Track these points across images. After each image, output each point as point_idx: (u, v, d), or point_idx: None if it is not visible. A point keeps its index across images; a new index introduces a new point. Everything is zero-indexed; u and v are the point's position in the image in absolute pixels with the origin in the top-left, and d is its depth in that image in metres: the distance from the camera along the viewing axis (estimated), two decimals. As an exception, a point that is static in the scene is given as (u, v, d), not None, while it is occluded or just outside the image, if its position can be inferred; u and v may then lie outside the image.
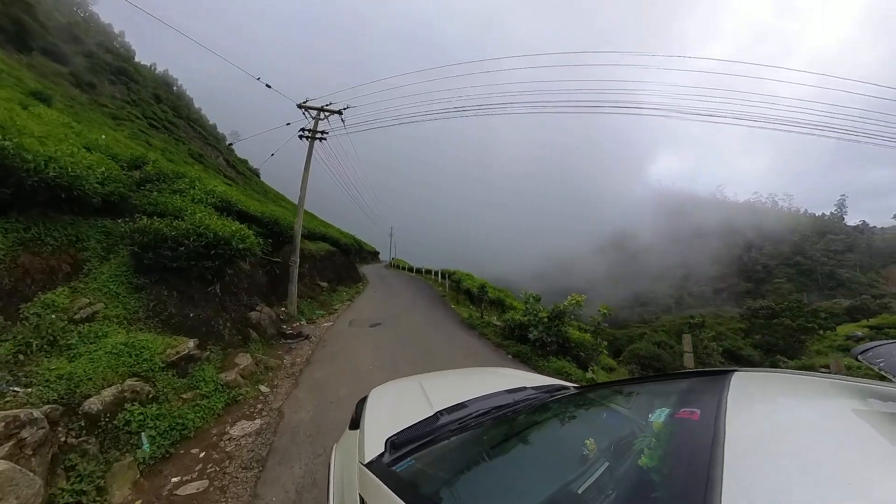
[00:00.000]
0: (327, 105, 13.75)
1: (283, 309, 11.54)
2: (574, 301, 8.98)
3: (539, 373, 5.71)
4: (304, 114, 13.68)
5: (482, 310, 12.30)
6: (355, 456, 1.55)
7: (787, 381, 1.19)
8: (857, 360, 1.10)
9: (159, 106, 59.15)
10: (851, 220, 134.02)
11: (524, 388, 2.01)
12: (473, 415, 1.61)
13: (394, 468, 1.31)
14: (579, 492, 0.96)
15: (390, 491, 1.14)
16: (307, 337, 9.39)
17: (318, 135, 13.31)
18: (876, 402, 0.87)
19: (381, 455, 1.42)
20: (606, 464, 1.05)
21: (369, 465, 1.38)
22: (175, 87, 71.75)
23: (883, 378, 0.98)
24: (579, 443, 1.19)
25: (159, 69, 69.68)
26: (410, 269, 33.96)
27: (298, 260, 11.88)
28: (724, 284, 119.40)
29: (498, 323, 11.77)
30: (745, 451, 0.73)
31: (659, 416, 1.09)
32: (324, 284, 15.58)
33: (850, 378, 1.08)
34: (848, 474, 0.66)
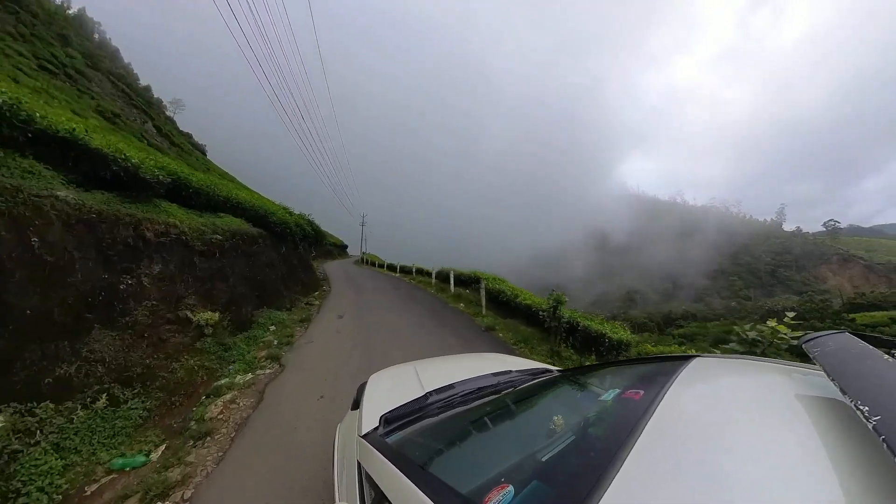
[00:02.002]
0: None
1: None
2: None
3: None
4: None
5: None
6: (355, 431, 1.63)
7: (739, 366, 1.22)
8: (801, 347, 1.03)
9: (64, 49, 44.20)
10: (788, 226, 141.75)
11: (509, 371, 2.03)
12: (459, 394, 1.68)
13: (386, 439, 1.39)
14: (543, 459, 1.02)
15: (381, 455, 1.22)
16: None
17: None
18: (819, 389, 0.89)
19: (376, 428, 1.50)
20: (573, 437, 1.09)
21: (365, 437, 1.46)
22: (96, 35, 55.89)
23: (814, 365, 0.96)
24: (549, 418, 1.26)
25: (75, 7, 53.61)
26: (392, 269, 23.83)
27: None
28: (686, 281, 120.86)
29: None
30: (666, 426, 0.78)
31: (609, 395, 1.22)
32: (208, 318, 5.58)
33: (793, 364, 1.14)
34: (755, 451, 0.67)
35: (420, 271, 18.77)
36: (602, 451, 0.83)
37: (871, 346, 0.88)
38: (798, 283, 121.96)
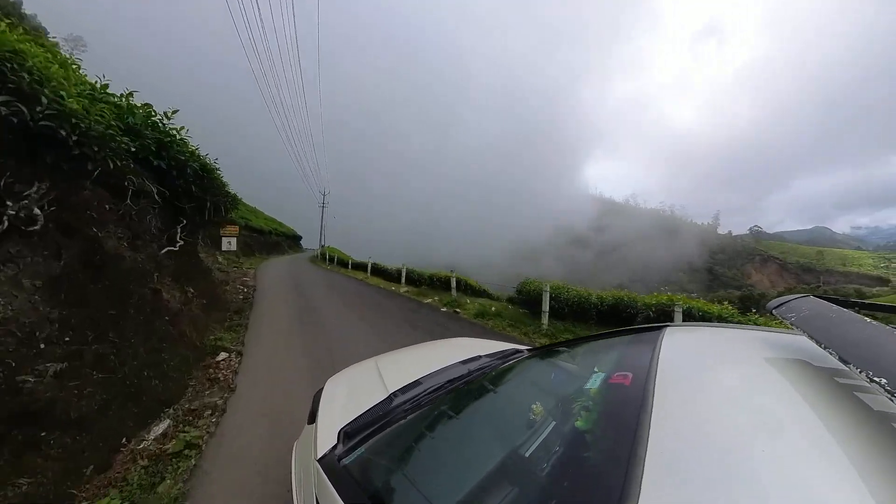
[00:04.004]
0: None
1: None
2: None
3: None
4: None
5: None
6: (311, 451, 1.31)
7: (713, 334, 1.14)
8: (771, 313, 0.95)
9: None
10: (721, 230, 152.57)
11: (478, 357, 1.78)
12: (427, 391, 1.40)
13: (344, 460, 1.12)
14: (526, 455, 0.90)
15: (338, 494, 0.96)
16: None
17: None
18: (784, 351, 0.85)
19: (335, 447, 1.21)
20: (553, 423, 0.97)
21: (322, 460, 1.19)
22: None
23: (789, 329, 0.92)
24: (527, 407, 1.10)
25: None
26: (382, 274, 13.22)
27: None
28: (638, 276, 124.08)
29: None
30: (670, 415, 0.70)
31: (594, 383, 1.02)
32: None
33: (767, 328, 1.05)
34: (756, 424, 0.63)
35: (472, 289, 8.50)
36: (608, 445, 0.75)
37: (843, 309, 0.83)
38: (729, 278, 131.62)
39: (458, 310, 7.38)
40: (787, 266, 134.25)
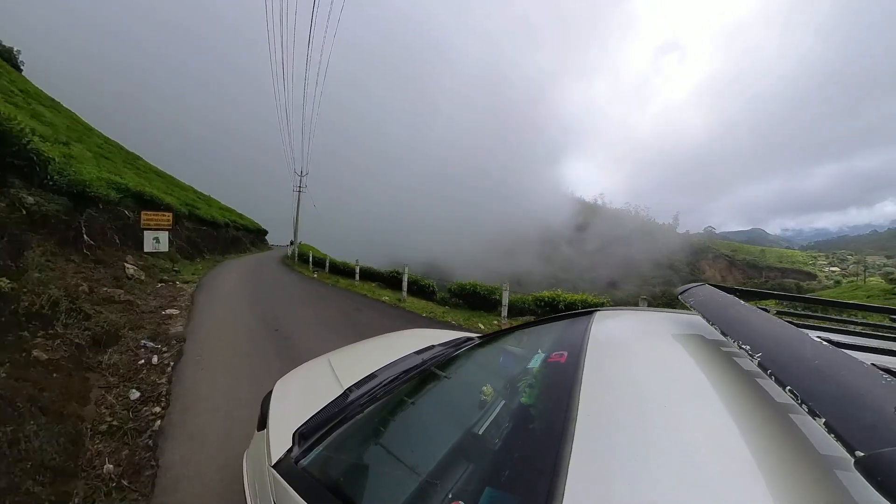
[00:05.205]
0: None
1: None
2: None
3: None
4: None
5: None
6: (265, 458, 1.23)
7: (633, 316, 1.24)
8: (678, 298, 1.10)
9: None
10: (680, 229, 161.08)
11: (432, 347, 1.80)
12: (383, 383, 1.39)
13: (302, 462, 1.06)
14: (480, 433, 0.96)
15: (295, 493, 0.94)
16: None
17: None
18: (687, 328, 0.96)
19: (290, 451, 1.14)
20: (503, 401, 1.05)
21: (277, 465, 1.11)
22: None
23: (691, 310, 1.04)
24: (479, 389, 1.17)
25: None
26: (425, 294, 8.13)
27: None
28: (608, 272, 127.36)
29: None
30: (596, 386, 0.78)
31: (536, 362, 1.11)
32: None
33: (677, 311, 1.19)
34: (663, 386, 0.73)
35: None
36: (547, 416, 0.82)
37: (728, 294, 0.98)
38: (686, 273, 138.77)
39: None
40: (735, 262, 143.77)
